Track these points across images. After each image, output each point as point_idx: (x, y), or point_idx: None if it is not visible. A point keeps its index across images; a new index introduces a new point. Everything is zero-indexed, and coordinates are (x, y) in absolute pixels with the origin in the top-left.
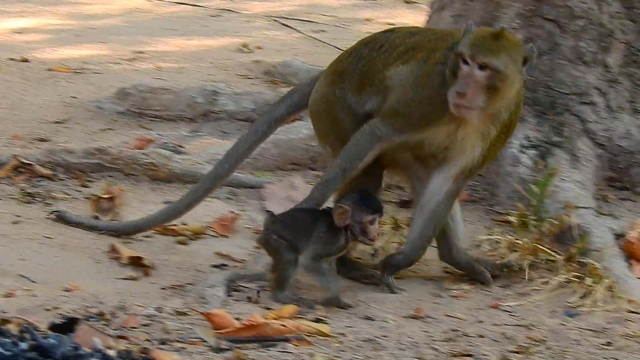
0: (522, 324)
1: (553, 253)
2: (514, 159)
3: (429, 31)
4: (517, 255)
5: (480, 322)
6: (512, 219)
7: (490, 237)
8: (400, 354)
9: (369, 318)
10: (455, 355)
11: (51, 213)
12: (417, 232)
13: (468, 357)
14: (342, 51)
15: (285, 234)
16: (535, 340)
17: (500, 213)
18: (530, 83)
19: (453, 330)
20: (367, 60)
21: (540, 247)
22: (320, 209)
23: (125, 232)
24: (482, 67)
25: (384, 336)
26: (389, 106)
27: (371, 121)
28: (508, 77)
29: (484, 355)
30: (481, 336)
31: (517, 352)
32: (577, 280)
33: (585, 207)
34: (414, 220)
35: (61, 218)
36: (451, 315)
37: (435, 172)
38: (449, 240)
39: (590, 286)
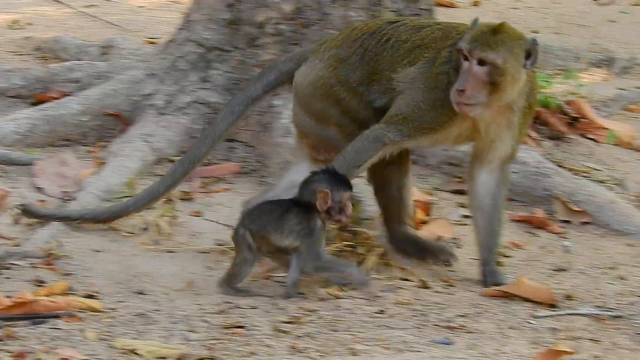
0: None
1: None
2: (285, 130)
3: (435, 25)
4: None
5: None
6: None
7: None
8: (172, 327)
9: (141, 292)
10: (227, 327)
11: (16, 207)
12: (484, 232)
13: (240, 329)
14: (115, 26)
15: (253, 227)
16: (307, 310)
17: (273, 184)
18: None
19: (225, 302)
20: (374, 54)
21: None
22: (287, 199)
23: (103, 219)
24: (480, 62)
25: (156, 310)
26: (396, 111)
27: (375, 127)
28: (507, 71)
29: (256, 326)
30: (253, 307)
31: (289, 322)
32: (350, 249)
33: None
34: (476, 223)
35: (27, 212)
36: None
37: (477, 170)
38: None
39: (363, 255)
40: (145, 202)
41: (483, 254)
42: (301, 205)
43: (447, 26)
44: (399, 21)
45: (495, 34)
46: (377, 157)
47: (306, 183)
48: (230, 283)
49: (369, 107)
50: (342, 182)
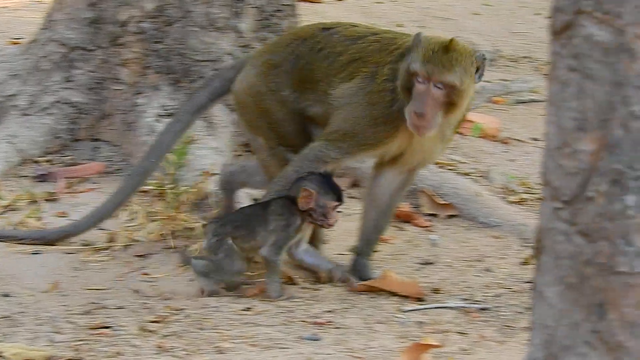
0: (162, 293)
1: (192, 221)
2: (150, 128)
3: (370, 36)
4: (156, 224)
5: (120, 293)
6: (150, 188)
7: (128, 207)
8: (37, 329)
9: (6, 295)
10: (93, 328)
11: None
12: (371, 225)
13: (106, 329)
14: None
15: (240, 234)
16: (174, 309)
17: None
18: (164, 51)
19: (92, 302)
20: (307, 62)
21: (179, 215)
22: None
23: (53, 239)
24: (438, 85)
25: (21, 312)
26: (335, 127)
27: (314, 145)
28: (464, 90)
29: (122, 326)
30: (120, 307)
31: (155, 322)
32: None
33: None
34: (365, 214)
35: None
36: (90, 287)
37: (387, 168)
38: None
39: None
40: (97, 219)
41: (360, 245)
42: (286, 200)
43: (384, 38)
44: (333, 28)
45: (447, 52)
46: None
47: (299, 179)
48: (232, 289)
49: (296, 121)
50: (333, 190)
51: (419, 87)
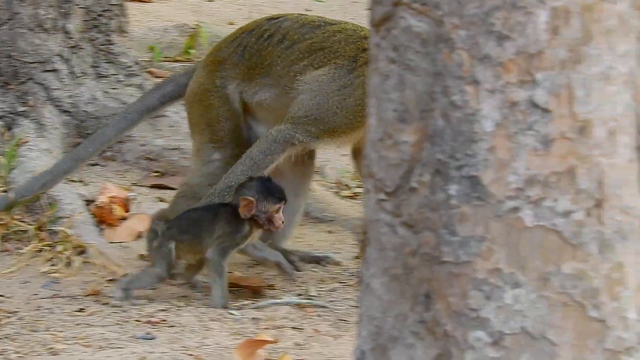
0: None
1: (23, 223)
2: None
3: (328, 26)
4: None
5: None
6: None
7: None
8: None
9: None
10: None
11: None
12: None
13: None
14: None
15: (185, 238)
16: (7, 312)
17: None
18: None
19: None
20: (256, 50)
21: (10, 217)
22: (213, 204)
23: None
24: None
25: None
26: (304, 112)
27: (280, 127)
28: None
29: None
30: None
31: None
32: (49, 248)
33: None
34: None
35: None
36: None
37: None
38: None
39: (63, 253)
40: (17, 200)
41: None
42: (232, 208)
43: (345, 28)
44: (281, 17)
45: None
46: (283, 157)
47: (240, 187)
48: (130, 285)
49: (233, 120)
50: (272, 193)
51: None
